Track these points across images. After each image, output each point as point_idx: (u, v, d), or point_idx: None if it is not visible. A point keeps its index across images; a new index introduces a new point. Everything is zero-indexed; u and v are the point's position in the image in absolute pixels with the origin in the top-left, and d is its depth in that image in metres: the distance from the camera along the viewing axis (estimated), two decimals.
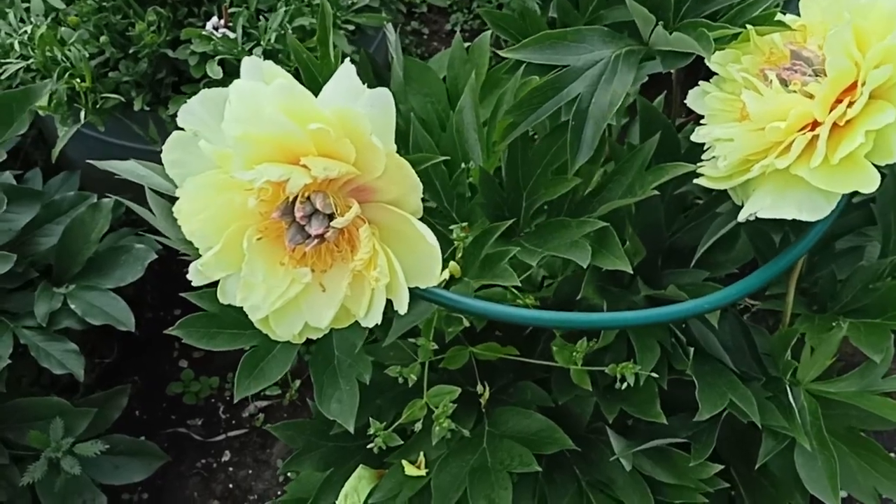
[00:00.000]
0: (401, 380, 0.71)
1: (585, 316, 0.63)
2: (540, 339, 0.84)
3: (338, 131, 0.48)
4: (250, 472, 1.22)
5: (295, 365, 0.94)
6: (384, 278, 0.50)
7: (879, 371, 0.70)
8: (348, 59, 0.50)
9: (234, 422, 1.27)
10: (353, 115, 0.48)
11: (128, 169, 0.72)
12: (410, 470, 0.77)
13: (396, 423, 0.71)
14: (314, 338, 0.55)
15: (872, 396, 0.71)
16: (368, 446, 0.72)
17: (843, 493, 1.14)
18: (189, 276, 0.52)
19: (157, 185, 0.71)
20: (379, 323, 0.52)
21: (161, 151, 0.54)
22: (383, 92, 0.49)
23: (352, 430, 0.69)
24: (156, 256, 1.06)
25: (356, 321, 0.54)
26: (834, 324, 0.72)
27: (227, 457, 1.24)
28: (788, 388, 0.72)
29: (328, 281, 0.52)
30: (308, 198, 0.49)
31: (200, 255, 0.53)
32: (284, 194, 0.49)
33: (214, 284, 0.55)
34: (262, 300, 0.52)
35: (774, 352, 0.74)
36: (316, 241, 0.50)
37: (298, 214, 0.49)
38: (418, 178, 0.51)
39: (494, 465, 0.74)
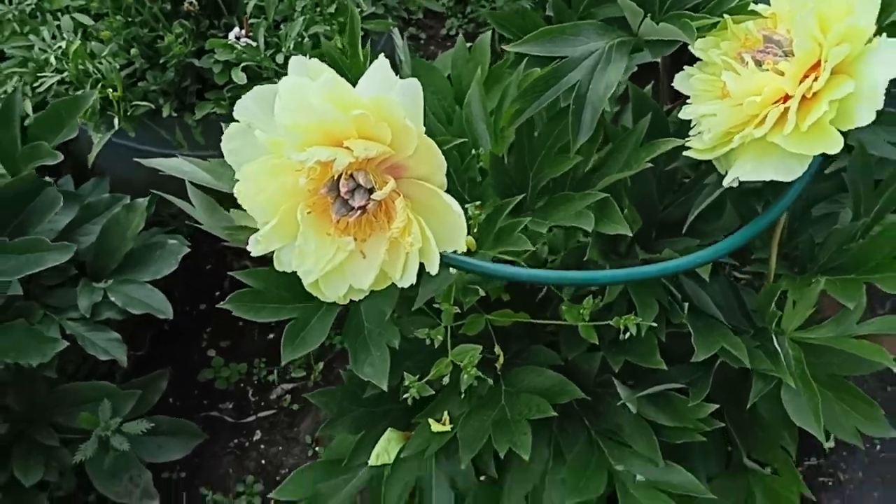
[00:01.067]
0: (427, 341, 0.78)
1: (592, 273, 0.71)
2: (548, 306, 0.91)
3: (376, 116, 0.55)
4: (280, 448, 1.30)
5: (318, 350, 1.01)
6: (418, 243, 0.58)
7: (854, 317, 0.78)
8: (382, 54, 0.58)
9: (263, 403, 1.34)
10: (389, 101, 0.55)
11: (173, 166, 0.80)
12: (436, 427, 0.84)
13: (425, 380, 0.78)
14: (356, 299, 0.63)
15: (850, 340, 0.78)
16: (402, 399, 0.79)
17: (831, 444, 1.23)
18: (248, 248, 0.60)
19: (199, 180, 0.79)
20: (413, 283, 0.60)
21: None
22: (413, 82, 0.57)
23: (385, 388, 0.77)
24: (188, 250, 1.13)
25: (390, 287, 0.62)
26: (813, 280, 0.80)
27: (258, 436, 1.31)
28: (774, 337, 0.80)
29: (368, 248, 0.59)
30: (351, 175, 0.57)
31: (243, 236, 0.60)
32: (330, 173, 0.57)
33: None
34: (312, 266, 0.60)
35: (761, 306, 0.82)
36: (359, 212, 0.57)
37: (343, 189, 0.56)
38: (444, 157, 0.59)
39: (514, 416, 0.82)
